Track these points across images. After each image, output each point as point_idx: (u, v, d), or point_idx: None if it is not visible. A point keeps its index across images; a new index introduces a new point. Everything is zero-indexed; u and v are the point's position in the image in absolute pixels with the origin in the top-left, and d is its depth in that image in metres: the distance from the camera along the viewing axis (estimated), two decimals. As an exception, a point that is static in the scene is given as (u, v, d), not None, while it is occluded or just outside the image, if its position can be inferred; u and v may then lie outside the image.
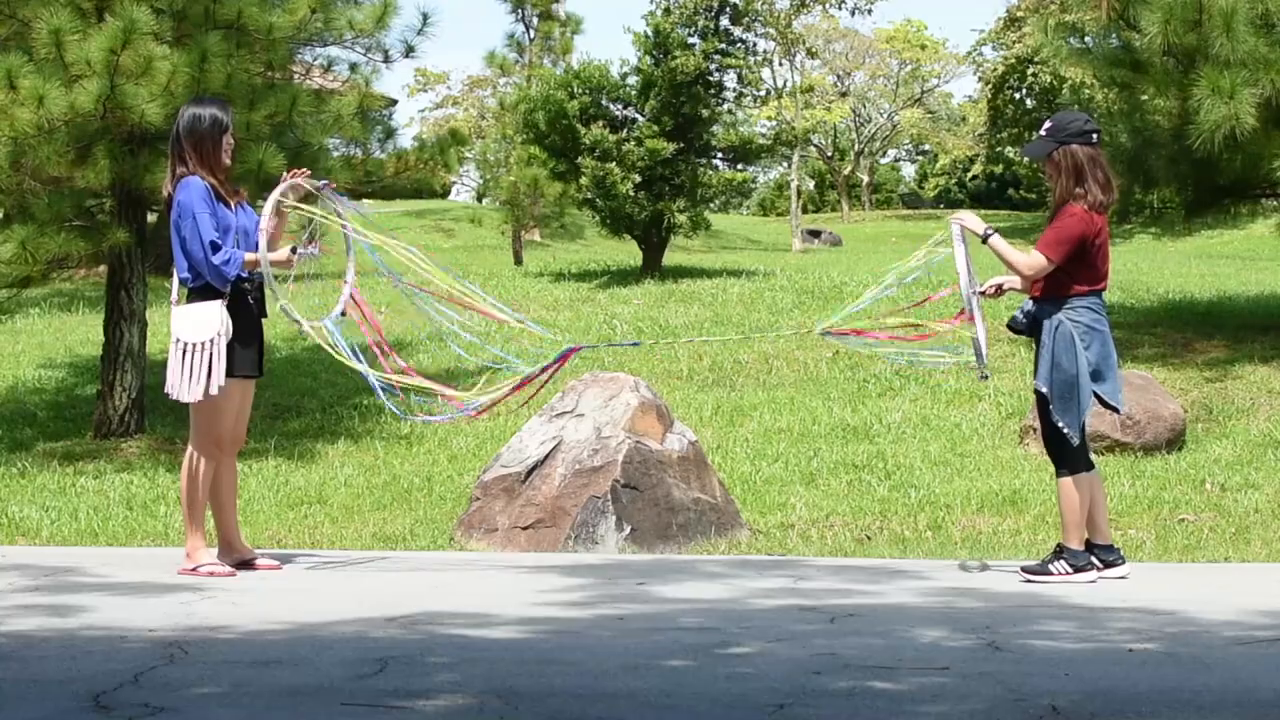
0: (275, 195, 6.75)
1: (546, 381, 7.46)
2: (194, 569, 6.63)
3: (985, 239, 6.56)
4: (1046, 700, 4.32)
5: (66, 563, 7.07)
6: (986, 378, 6.85)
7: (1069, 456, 6.49)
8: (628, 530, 7.84)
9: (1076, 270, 6.46)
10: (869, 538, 8.24)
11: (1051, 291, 6.50)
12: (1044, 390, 6.46)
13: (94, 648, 5.04)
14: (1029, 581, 6.45)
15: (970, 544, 8.01)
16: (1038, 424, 10.33)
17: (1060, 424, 6.45)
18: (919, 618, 5.65)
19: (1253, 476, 9.42)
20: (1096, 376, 6.48)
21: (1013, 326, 6.72)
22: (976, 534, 8.24)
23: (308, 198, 6.94)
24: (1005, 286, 6.76)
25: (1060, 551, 6.52)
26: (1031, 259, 6.46)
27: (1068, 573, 6.44)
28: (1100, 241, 6.50)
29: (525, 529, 7.91)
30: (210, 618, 5.60)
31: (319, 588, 6.51)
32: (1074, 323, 6.46)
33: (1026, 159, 6.91)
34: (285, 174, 6.92)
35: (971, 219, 6.64)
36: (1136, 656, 4.94)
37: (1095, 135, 6.55)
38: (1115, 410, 6.81)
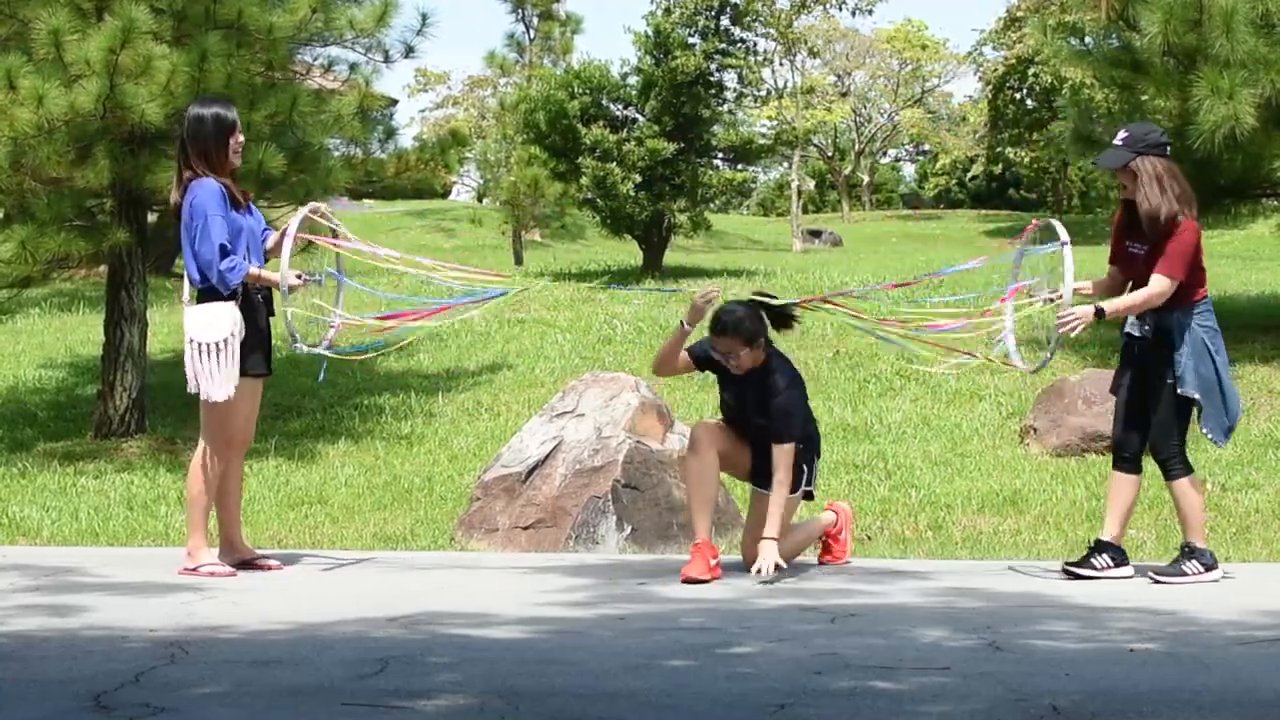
0: (293, 228, 6.68)
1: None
2: (195, 569, 6.62)
3: (1100, 316, 6.38)
4: (1047, 700, 4.32)
5: (67, 563, 7.07)
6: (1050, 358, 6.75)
7: (1183, 459, 6.48)
8: (628, 530, 7.84)
9: (1195, 275, 6.44)
10: (869, 538, 8.24)
11: (1178, 300, 6.41)
12: (1195, 396, 6.38)
13: (95, 648, 5.04)
14: (1157, 583, 6.41)
15: (971, 544, 8.01)
16: (1037, 424, 10.38)
17: (1205, 430, 6.43)
18: (920, 618, 5.65)
19: (1253, 476, 9.42)
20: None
21: (1133, 338, 6.55)
22: (977, 534, 8.24)
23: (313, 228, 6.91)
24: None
25: (1191, 551, 6.50)
26: (1159, 286, 6.33)
27: (1201, 571, 6.44)
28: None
29: (526, 529, 7.90)
30: (211, 618, 5.60)
31: (320, 588, 6.50)
32: (1203, 327, 6.44)
33: (1098, 167, 6.72)
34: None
35: (1082, 309, 6.38)
36: (1137, 656, 4.94)
37: (1168, 148, 6.54)
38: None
